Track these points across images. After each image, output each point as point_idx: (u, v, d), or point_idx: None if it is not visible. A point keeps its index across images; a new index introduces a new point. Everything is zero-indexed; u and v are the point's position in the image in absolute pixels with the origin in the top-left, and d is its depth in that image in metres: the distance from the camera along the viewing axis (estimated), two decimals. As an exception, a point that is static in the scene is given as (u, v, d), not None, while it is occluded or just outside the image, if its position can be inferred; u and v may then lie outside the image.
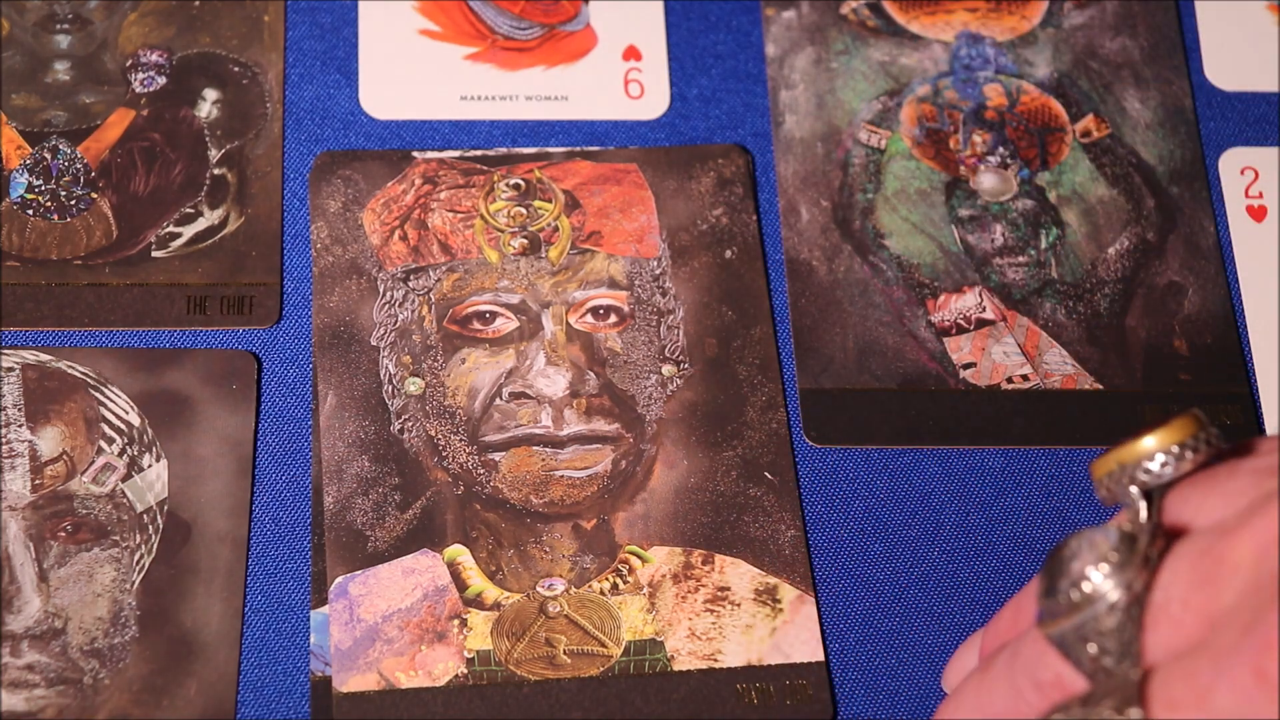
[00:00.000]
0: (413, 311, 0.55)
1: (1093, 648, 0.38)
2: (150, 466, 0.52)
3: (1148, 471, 0.40)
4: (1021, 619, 0.43)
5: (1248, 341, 0.57)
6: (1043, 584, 0.39)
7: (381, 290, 0.56)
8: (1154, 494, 0.40)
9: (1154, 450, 0.40)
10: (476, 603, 0.51)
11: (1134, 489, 0.40)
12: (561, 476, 0.53)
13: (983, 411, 0.55)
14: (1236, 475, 0.39)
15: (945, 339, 0.56)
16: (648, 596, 0.52)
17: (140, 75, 0.59)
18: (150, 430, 0.53)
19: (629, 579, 0.52)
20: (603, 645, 0.51)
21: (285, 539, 0.52)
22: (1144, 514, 0.40)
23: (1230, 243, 0.59)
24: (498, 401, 0.54)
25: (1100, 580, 0.38)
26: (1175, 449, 0.40)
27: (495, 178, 0.58)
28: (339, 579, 0.51)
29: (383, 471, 0.53)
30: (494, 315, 0.55)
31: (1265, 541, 0.36)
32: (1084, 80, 0.61)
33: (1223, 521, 0.38)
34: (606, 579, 0.52)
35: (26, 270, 0.55)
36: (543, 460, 0.53)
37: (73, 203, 0.56)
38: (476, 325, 0.55)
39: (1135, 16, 0.62)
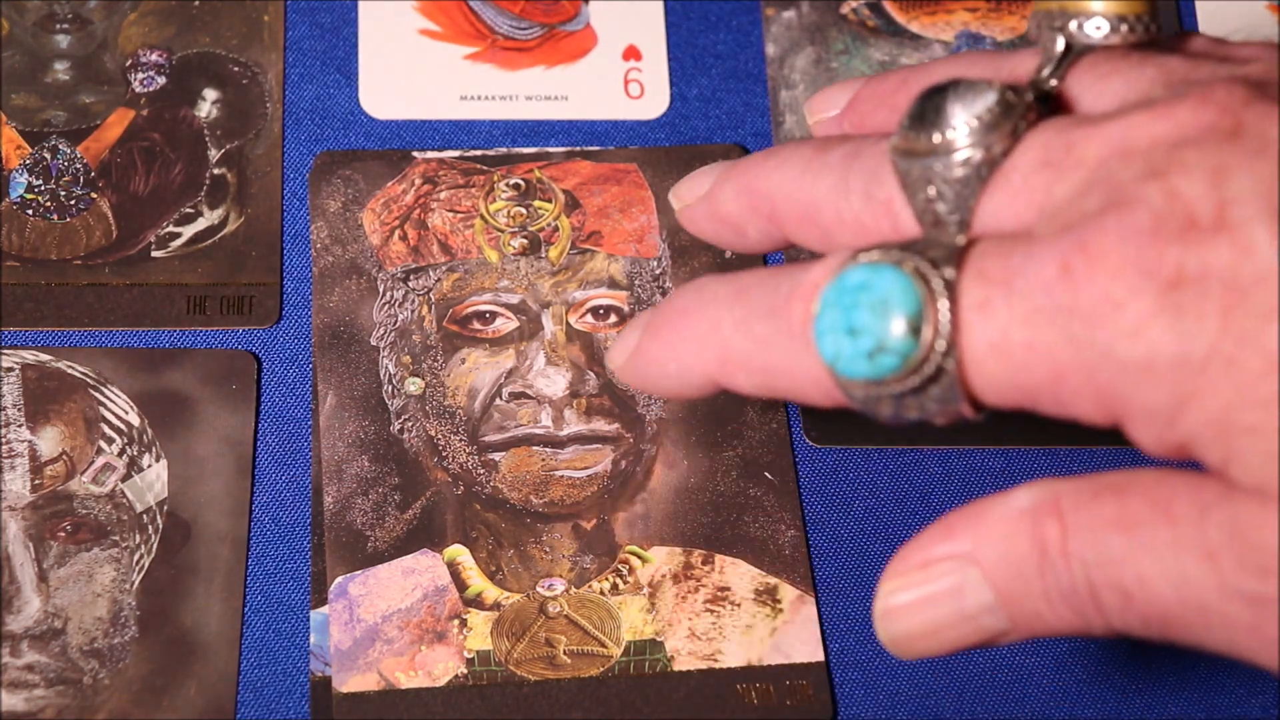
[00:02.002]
0: (413, 311, 0.55)
1: (932, 190, 0.38)
2: (150, 466, 0.52)
3: (1080, 28, 0.40)
4: (900, 97, 0.43)
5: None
6: (911, 110, 0.39)
7: (381, 290, 0.56)
8: (1073, 50, 0.40)
9: (1095, 12, 0.40)
10: (476, 603, 0.51)
11: (1059, 37, 0.40)
12: (561, 476, 0.53)
13: (983, 411, 0.55)
14: (1145, 65, 0.39)
15: (945, 339, 0.56)
16: (648, 596, 0.52)
17: (140, 75, 0.59)
18: (150, 430, 0.53)
19: (629, 579, 0.52)
20: (603, 645, 0.51)
21: (285, 539, 0.52)
22: (1052, 65, 0.40)
23: (1230, 243, 0.59)
24: (498, 401, 0.54)
25: (965, 133, 0.38)
26: (1115, 19, 0.40)
27: (495, 178, 0.58)
28: (339, 579, 0.51)
29: (383, 471, 0.53)
30: (494, 315, 0.55)
31: (1115, 147, 0.36)
32: (1084, 80, 0.61)
33: (1091, 114, 0.38)
34: (606, 579, 0.52)
35: (26, 270, 0.55)
36: (543, 460, 0.53)
37: (72, 203, 0.56)
38: (476, 325, 0.55)
39: (1135, 16, 0.62)
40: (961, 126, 0.38)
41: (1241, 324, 0.33)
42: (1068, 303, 0.35)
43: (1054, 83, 0.40)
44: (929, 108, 0.38)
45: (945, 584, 0.38)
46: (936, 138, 0.38)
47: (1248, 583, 0.34)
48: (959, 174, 0.38)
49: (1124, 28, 0.40)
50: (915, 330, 0.36)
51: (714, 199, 0.44)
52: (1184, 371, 0.34)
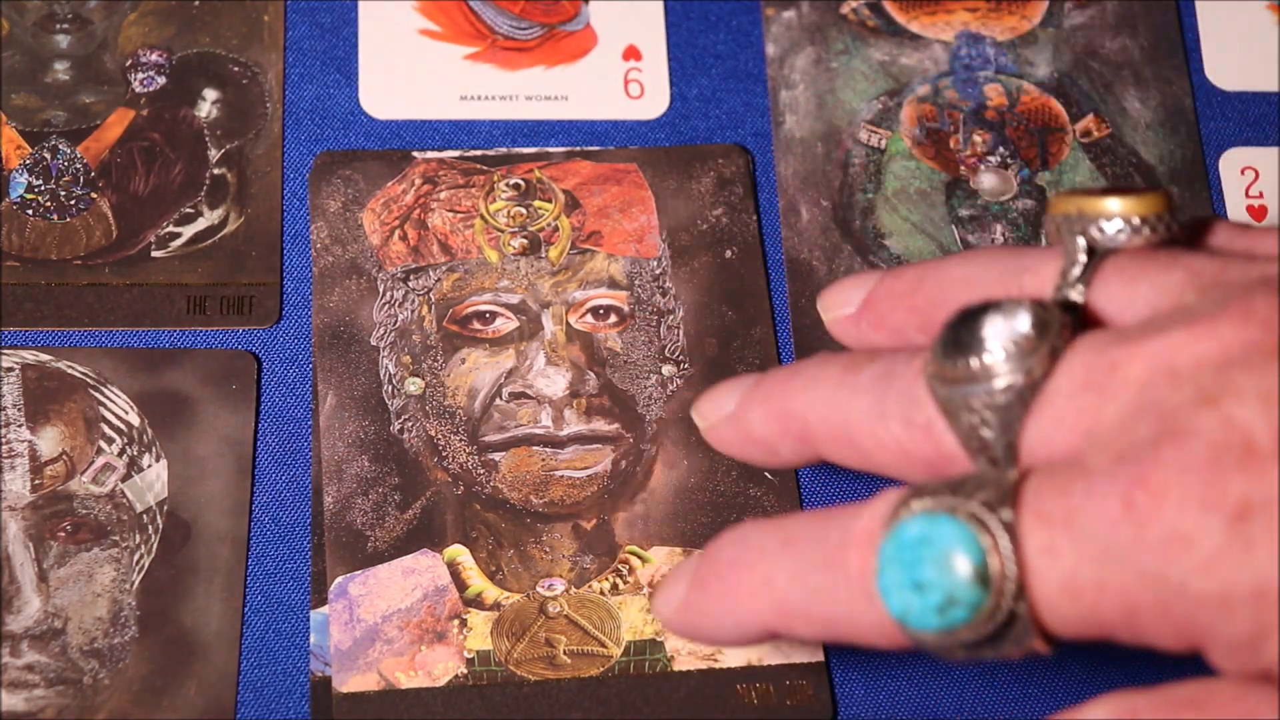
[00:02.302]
0: (413, 311, 0.55)
1: (974, 417, 0.37)
2: (150, 466, 0.52)
3: (1101, 231, 0.39)
4: (919, 299, 0.42)
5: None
6: (943, 336, 0.38)
7: (381, 290, 0.56)
8: (1097, 253, 0.40)
9: (1114, 214, 0.39)
10: (476, 603, 0.51)
11: (1080, 240, 0.40)
12: (561, 476, 0.53)
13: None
14: (1173, 268, 0.38)
15: (945, 339, 0.56)
16: (648, 596, 0.52)
17: (140, 75, 0.59)
18: (150, 430, 0.53)
19: (629, 579, 0.52)
20: (603, 645, 0.51)
21: (285, 539, 0.52)
22: (1078, 269, 0.39)
23: (1230, 243, 0.59)
24: (498, 401, 0.54)
25: (1003, 359, 0.37)
26: (1136, 220, 0.39)
27: (495, 178, 0.58)
28: (339, 579, 0.51)
29: (383, 471, 0.53)
30: (494, 315, 0.55)
31: (1159, 367, 0.36)
32: (1084, 80, 0.61)
33: (1128, 328, 0.37)
34: (606, 579, 0.52)
35: (26, 270, 0.55)
36: (543, 460, 0.53)
37: (72, 203, 0.56)
38: (476, 325, 0.55)
39: (1135, 16, 0.62)
40: (999, 351, 0.37)
41: None
42: (1134, 540, 0.34)
43: (1081, 289, 0.39)
44: (962, 333, 0.38)
45: None
46: (975, 364, 0.37)
47: None
48: (1002, 401, 0.37)
49: (1145, 230, 0.40)
50: (983, 580, 0.35)
51: (742, 421, 0.43)
52: (1263, 603, 0.34)
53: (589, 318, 0.56)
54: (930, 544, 0.36)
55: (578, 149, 0.59)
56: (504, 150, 0.59)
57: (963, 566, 0.35)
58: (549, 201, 0.58)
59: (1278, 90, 0.62)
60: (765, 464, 0.44)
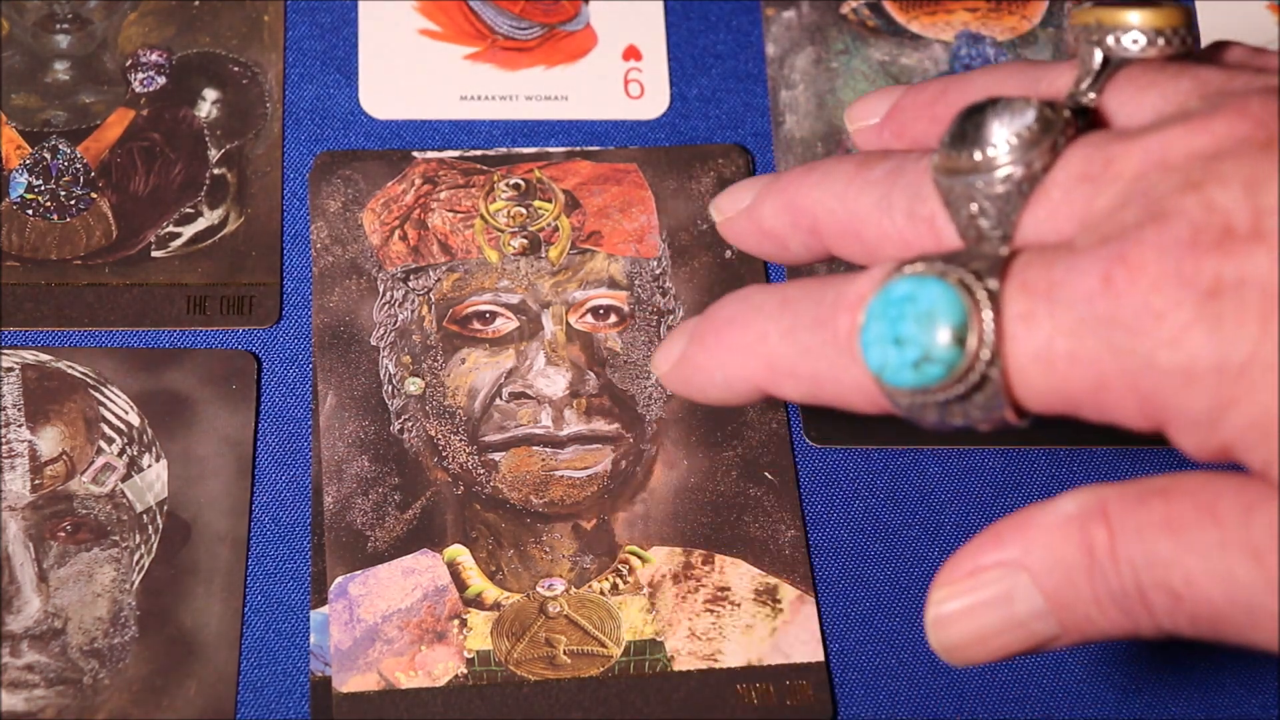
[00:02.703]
0: (413, 311, 0.55)
1: (974, 206, 0.39)
2: (150, 466, 0.52)
3: (1117, 41, 0.40)
4: (941, 108, 0.44)
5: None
6: (952, 129, 0.39)
7: (381, 290, 0.56)
8: (1111, 63, 0.41)
9: (1132, 26, 0.40)
10: (476, 603, 0.51)
11: (1097, 50, 0.41)
12: (561, 476, 0.53)
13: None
14: (1181, 77, 0.40)
15: (945, 339, 0.56)
16: (648, 596, 0.52)
17: (140, 75, 0.59)
18: (150, 430, 0.53)
19: (629, 579, 0.52)
20: (603, 645, 0.51)
21: (285, 539, 0.52)
22: (1090, 78, 0.40)
23: (1230, 243, 0.59)
24: (498, 401, 0.54)
25: (1006, 151, 0.38)
26: (1152, 33, 0.40)
27: (495, 178, 0.58)
28: (339, 579, 0.51)
29: (383, 471, 0.53)
30: (494, 315, 0.55)
31: (1153, 160, 0.37)
32: (1084, 80, 0.61)
33: (1129, 128, 0.39)
34: (606, 579, 0.52)
35: (26, 270, 0.55)
36: (543, 460, 0.53)
37: (72, 203, 0.56)
38: (476, 325, 0.55)
39: (1135, 16, 0.62)
40: (1002, 144, 0.38)
41: None
42: (1109, 313, 0.35)
43: (1092, 96, 0.40)
44: (969, 126, 0.39)
45: (995, 591, 0.38)
46: (978, 155, 0.39)
47: None
48: (1001, 190, 0.38)
49: (1160, 41, 0.40)
50: (960, 340, 0.36)
51: (756, 213, 0.45)
52: (1224, 377, 0.34)
53: (589, 318, 0.56)
54: (914, 301, 0.37)
55: (578, 149, 0.59)
56: (504, 150, 0.59)
57: (942, 324, 0.36)
58: (549, 201, 0.58)
59: (1278, 90, 0.62)
60: (776, 258, 0.45)
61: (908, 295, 0.37)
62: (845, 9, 0.62)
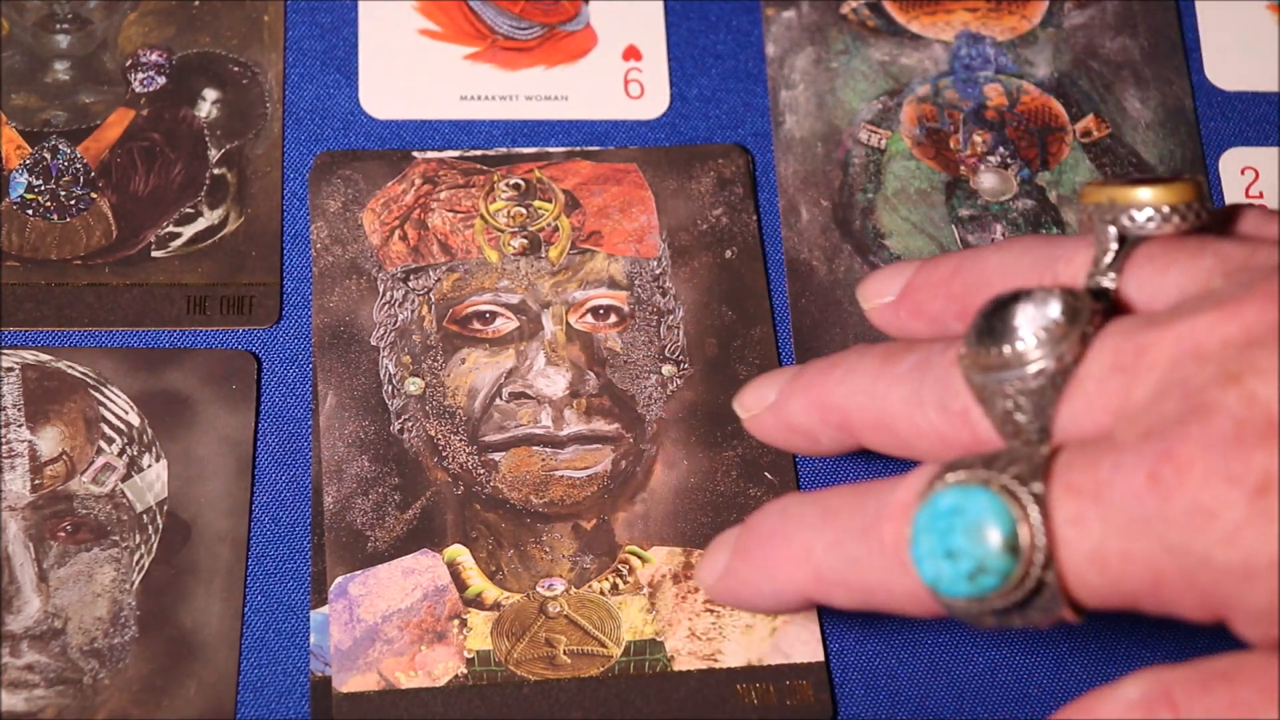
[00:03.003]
0: (413, 311, 0.55)
1: (1009, 403, 0.39)
2: (150, 466, 0.52)
3: (1132, 219, 0.40)
4: (956, 286, 0.44)
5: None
6: (977, 324, 0.39)
7: (381, 290, 0.56)
8: (1128, 240, 0.40)
9: (1145, 203, 0.40)
10: (476, 603, 0.51)
11: (1112, 229, 0.41)
12: (561, 476, 0.53)
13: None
14: (1202, 254, 0.39)
15: (945, 339, 0.56)
16: (648, 596, 0.52)
17: (140, 75, 0.59)
18: (150, 430, 0.53)
19: (629, 579, 0.52)
20: (603, 645, 0.51)
21: (285, 539, 0.52)
22: (1110, 257, 0.40)
23: (1230, 243, 0.59)
24: (498, 401, 0.54)
25: (1035, 345, 0.38)
26: (1166, 209, 0.40)
27: (495, 178, 0.58)
28: (339, 579, 0.51)
29: (383, 471, 0.53)
30: (494, 315, 0.55)
31: (1186, 348, 0.37)
32: (1084, 80, 0.61)
33: (1157, 314, 0.38)
34: (606, 579, 0.52)
35: (26, 270, 0.55)
36: (543, 460, 0.53)
37: (72, 203, 0.56)
38: (476, 325, 0.55)
39: (1135, 16, 0.62)
40: (1030, 338, 0.38)
41: None
42: (1160, 512, 0.35)
43: (1113, 277, 0.40)
44: (995, 321, 0.39)
45: None
46: (1007, 350, 0.38)
47: None
48: (1034, 385, 0.38)
49: (1176, 218, 0.40)
50: (1012, 549, 0.36)
51: (783, 411, 0.45)
52: None
53: (589, 318, 0.56)
54: (963, 513, 0.37)
55: (578, 149, 0.59)
56: (504, 150, 0.59)
57: (993, 535, 0.36)
58: (549, 201, 0.58)
59: (1278, 90, 0.62)
60: (807, 452, 0.46)
61: (955, 507, 0.37)
62: (845, 9, 0.62)
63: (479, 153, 0.58)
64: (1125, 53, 0.62)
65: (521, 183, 0.58)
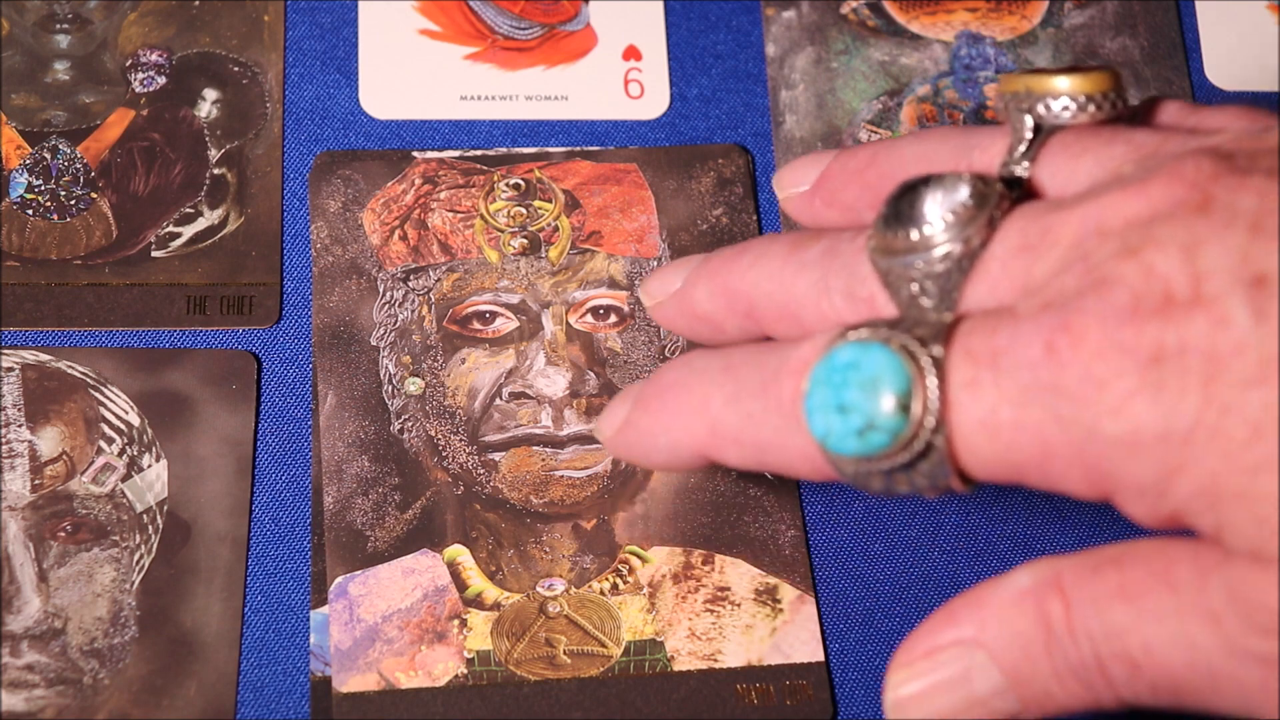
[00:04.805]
0: (413, 311, 0.55)
1: (914, 286, 0.38)
2: (150, 466, 0.52)
3: (1048, 108, 0.40)
4: (872, 175, 0.43)
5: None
6: (885, 210, 0.39)
7: (381, 290, 0.56)
8: (1043, 130, 0.40)
9: (1061, 92, 0.40)
10: (476, 603, 0.51)
11: (1028, 118, 0.40)
12: (561, 476, 0.53)
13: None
14: (1114, 142, 0.39)
15: (945, 339, 0.56)
16: (648, 596, 0.52)
17: (140, 75, 0.59)
18: (150, 430, 0.53)
19: (629, 579, 0.52)
20: (603, 645, 0.51)
21: (285, 539, 0.52)
22: (1024, 145, 0.40)
23: (1230, 243, 0.59)
24: (498, 401, 0.54)
25: (942, 229, 0.38)
26: (1082, 98, 0.40)
27: (495, 178, 0.58)
28: (339, 579, 0.51)
29: (383, 471, 0.53)
30: (494, 315, 0.55)
31: (1090, 226, 0.37)
32: (1084, 80, 0.61)
33: (1065, 197, 0.38)
34: (606, 579, 0.52)
35: (26, 270, 0.55)
36: (543, 460, 0.53)
37: (72, 203, 0.56)
38: (476, 325, 0.55)
39: (1135, 16, 0.62)
40: (938, 222, 0.38)
41: (1223, 394, 0.34)
42: (1053, 381, 0.35)
43: (1025, 165, 0.40)
44: (903, 205, 0.39)
45: (953, 670, 0.38)
46: (914, 235, 0.38)
47: (1253, 642, 0.34)
48: (940, 269, 0.38)
49: (1091, 106, 0.40)
50: (905, 408, 0.36)
51: (688, 298, 0.44)
52: (1169, 445, 0.34)
53: (589, 318, 0.56)
54: (858, 369, 0.37)
55: (578, 149, 0.59)
56: (504, 150, 0.59)
57: (887, 392, 0.36)
58: (549, 201, 0.58)
59: (1278, 90, 0.62)
60: (710, 340, 0.44)
61: (851, 362, 0.37)
62: (845, 9, 0.62)
63: (479, 153, 0.59)
64: (1125, 53, 0.62)
65: (521, 183, 0.58)
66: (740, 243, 0.44)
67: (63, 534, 0.51)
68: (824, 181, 0.45)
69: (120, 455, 0.52)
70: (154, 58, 0.59)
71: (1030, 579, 0.37)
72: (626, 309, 0.56)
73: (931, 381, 0.36)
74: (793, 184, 0.46)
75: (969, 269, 0.38)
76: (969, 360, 0.36)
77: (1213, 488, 0.34)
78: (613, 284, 0.56)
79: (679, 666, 0.51)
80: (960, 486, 0.37)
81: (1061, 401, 0.35)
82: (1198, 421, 0.34)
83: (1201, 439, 0.34)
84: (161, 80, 0.59)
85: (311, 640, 0.50)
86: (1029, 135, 0.40)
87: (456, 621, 0.51)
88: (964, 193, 0.38)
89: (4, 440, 0.52)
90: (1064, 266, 0.36)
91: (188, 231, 0.56)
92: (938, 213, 0.38)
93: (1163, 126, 0.41)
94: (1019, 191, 0.40)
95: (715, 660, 0.51)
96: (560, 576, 0.52)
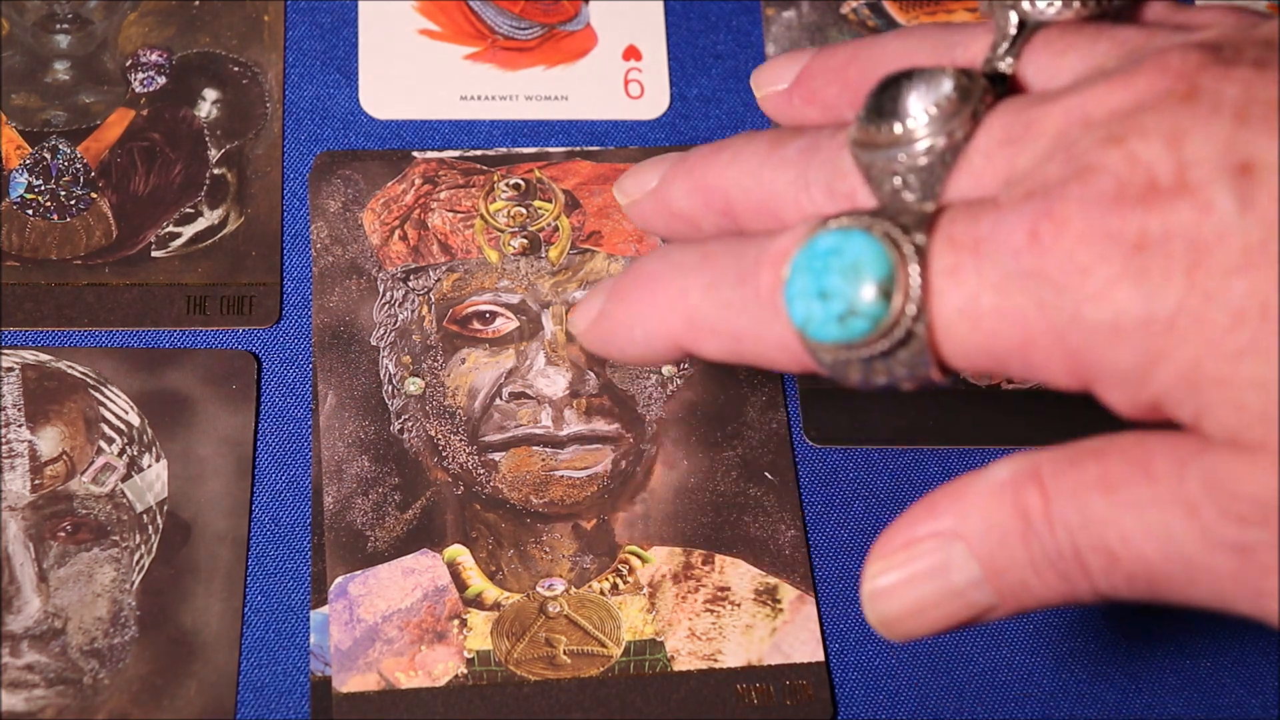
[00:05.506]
0: (413, 311, 0.55)
1: (897, 180, 0.38)
2: (150, 466, 0.52)
3: (1032, 4, 0.40)
4: (852, 73, 0.43)
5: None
6: (868, 104, 0.39)
7: (381, 290, 0.56)
8: (1027, 26, 0.40)
9: None
10: (476, 603, 0.51)
11: (1013, 14, 0.40)
12: (561, 476, 0.53)
13: (983, 411, 0.55)
14: (1099, 38, 0.39)
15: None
16: (648, 596, 0.52)
17: (140, 75, 0.59)
18: (150, 430, 0.53)
19: (629, 579, 0.52)
20: (603, 645, 0.51)
21: (285, 539, 0.52)
22: (1008, 42, 0.40)
23: (1230, 243, 0.59)
24: (498, 401, 0.54)
25: (925, 122, 0.38)
26: None
27: (495, 178, 0.58)
28: (339, 579, 0.51)
29: (383, 471, 0.53)
30: (494, 315, 0.55)
31: (1075, 118, 0.36)
32: (1084, 80, 0.61)
33: (1049, 91, 0.38)
34: (606, 579, 0.52)
35: (26, 270, 0.55)
36: (543, 460, 0.53)
37: (72, 203, 0.56)
38: (476, 325, 0.55)
39: (1135, 16, 0.62)
40: (921, 115, 0.38)
41: (1205, 281, 0.34)
42: (1036, 268, 0.35)
43: (1009, 61, 0.40)
44: (886, 99, 0.38)
45: (930, 562, 0.38)
46: (897, 129, 0.38)
47: (1229, 531, 0.34)
48: (923, 162, 0.38)
49: (1076, 3, 0.40)
50: (886, 294, 0.36)
51: (664, 196, 0.44)
52: (1151, 331, 0.34)
53: (589, 318, 0.56)
54: (840, 254, 0.36)
55: (578, 149, 0.59)
56: (504, 150, 0.59)
57: (869, 278, 0.36)
58: (549, 201, 0.58)
59: (1278, 90, 0.62)
60: (687, 239, 0.44)
61: (833, 248, 0.37)
62: (845, 9, 0.62)
63: (479, 153, 0.58)
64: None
65: (521, 183, 0.58)
66: (719, 140, 0.43)
67: (63, 534, 0.51)
68: (803, 79, 0.44)
69: (120, 455, 0.52)
70: (154, 58, 0.59)
71: (1009, 471, 0.37)
72: (626, 309, 0.56)
73: (914, 268, 0.36)
74: (771, 82, 0.45)
75: (952, 162, 0.38)
76: (951, 247, 0.36)
77: (1193, 375, 0.34)
78: (613, 284, 0.56)
79: (679, 666, 0.51)
80: (939, 376, 0.37)
81: (1044, 288, 0.35)
82: (1180, 308, 0.34)
83: (1184, 325, 0.34)
84: (161, 80, 0.59)
85: (311, 640, 0.50)
86: (1013, 32, 0.40)
87: (456, 621, 0.51)
88: (947, 86, 0.38)
89: (4, 440, 0.52)
90: (1048, 156, 0.36)
91: (188, 231, 0.56)
92: (921, 106, 0.38)
93: (1149, 24, 0.41)
94: (1002, 88, 0.39)
95: (715, 660, 0.51)
96: (560, 576, 0.52)
